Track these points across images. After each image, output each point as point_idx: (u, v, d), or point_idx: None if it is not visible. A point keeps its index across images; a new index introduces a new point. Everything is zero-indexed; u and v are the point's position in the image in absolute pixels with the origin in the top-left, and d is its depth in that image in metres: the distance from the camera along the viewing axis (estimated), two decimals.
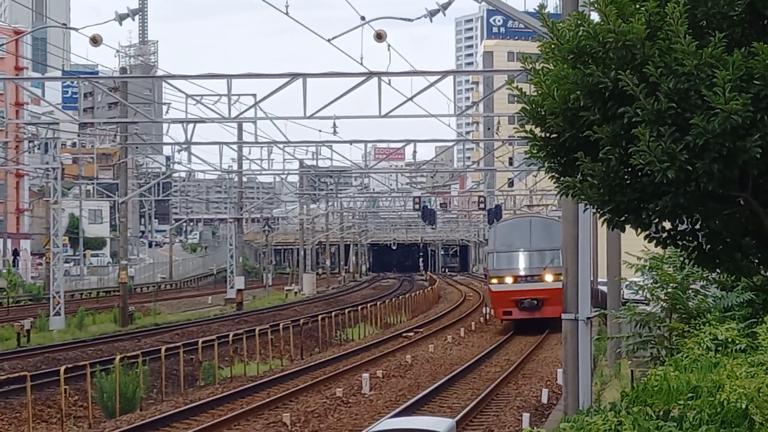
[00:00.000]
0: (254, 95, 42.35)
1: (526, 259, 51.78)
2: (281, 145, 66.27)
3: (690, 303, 16.62)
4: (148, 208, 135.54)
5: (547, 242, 50.39)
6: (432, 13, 29.80)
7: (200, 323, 56.01)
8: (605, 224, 12.29)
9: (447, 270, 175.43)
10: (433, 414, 25.23)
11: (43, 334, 49.39)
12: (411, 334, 51.04)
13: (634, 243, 16.18)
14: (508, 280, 51.50)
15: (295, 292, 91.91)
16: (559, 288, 46.16)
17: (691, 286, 17.23)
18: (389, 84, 39.39)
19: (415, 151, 66.84)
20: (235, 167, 79.02)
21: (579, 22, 11.10)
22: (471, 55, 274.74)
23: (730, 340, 11.84)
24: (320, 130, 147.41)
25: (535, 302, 50.56)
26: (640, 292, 18.03)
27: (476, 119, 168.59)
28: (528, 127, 11.80)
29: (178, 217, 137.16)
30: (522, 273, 51.63)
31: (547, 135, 11.68)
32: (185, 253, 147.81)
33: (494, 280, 52.36)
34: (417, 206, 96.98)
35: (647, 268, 17.52)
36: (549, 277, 49.82)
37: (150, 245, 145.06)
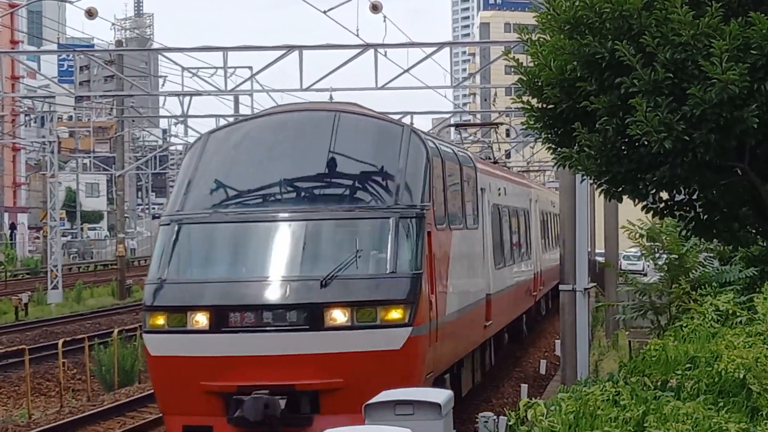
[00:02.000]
0: (250, 68, 42.37)
1: (275, 250, 14.53)
2: None
3: (691, 274, 16.57)
4: (145, 181, 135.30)
5: (353, 193, 15.20)
6: None
7: None
8: (602, 195, 12.31)
9: None
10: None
11: (41, 308, 49.35)
12: None
13: (632, 214, 16.17)
14: (201, 319, 14.12)
15: None
16: (390, 351, 14.03)
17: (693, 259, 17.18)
18: (385, 56, 39.28)
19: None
20: None
21: None
22: (468, 26, 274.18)
23: (731, 312, 11.84)
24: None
25: (280, 399, 13.49)
26: (639, 262, 18.01)
27: (473, 91, 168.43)
28: (525, 98, 11.80)
29: None
30: (253, 300, 14.04)
31: (544, 106, 11.68)
32: None
33: (159, 321, 14.31)
34: None
35: (645, 237, 17.49)
36: (340, 314, 13.88)
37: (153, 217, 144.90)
